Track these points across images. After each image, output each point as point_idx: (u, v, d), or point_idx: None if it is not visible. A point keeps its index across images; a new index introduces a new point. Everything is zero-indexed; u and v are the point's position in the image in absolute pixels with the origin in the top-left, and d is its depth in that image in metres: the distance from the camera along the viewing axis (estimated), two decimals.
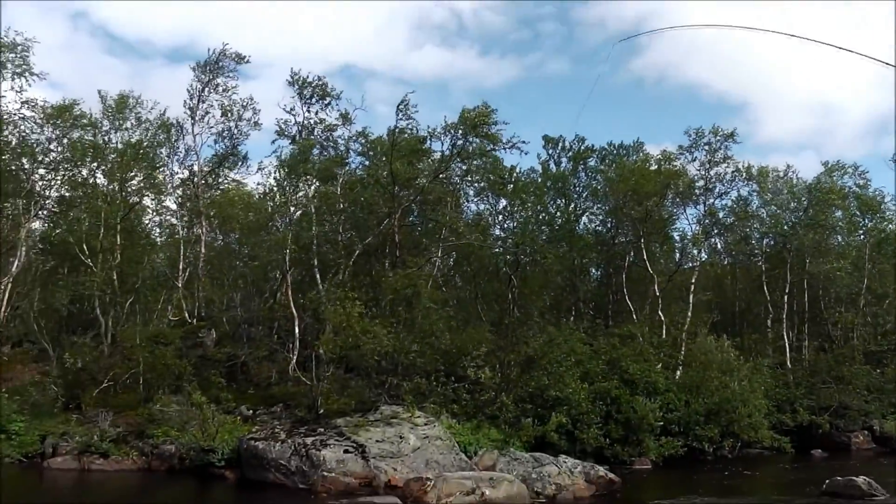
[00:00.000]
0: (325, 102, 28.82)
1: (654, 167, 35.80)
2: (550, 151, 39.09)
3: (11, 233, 33.75)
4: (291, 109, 28.89)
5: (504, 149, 29.33)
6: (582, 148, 38.84)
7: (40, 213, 34.60)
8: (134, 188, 33.45)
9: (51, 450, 23.34)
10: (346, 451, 20.45)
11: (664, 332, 32.57)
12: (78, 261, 29.90)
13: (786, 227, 37.98)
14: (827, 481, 19.08)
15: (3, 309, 31.66)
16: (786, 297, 37.46)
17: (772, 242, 39.70)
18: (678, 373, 30.25)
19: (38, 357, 28.81)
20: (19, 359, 29.30)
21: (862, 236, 40.41)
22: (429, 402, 24.68)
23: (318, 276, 27.90)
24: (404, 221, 30.05)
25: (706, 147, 34.25)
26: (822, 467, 24.57)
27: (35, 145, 32.89)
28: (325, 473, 19.94)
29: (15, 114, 32.11)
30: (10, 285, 31.97)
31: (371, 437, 21.08)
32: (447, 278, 34.46)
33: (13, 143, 33.40)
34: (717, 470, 24.95)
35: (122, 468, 22.67)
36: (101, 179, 32.73)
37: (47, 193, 34.29)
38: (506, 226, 35.25)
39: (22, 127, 32.72)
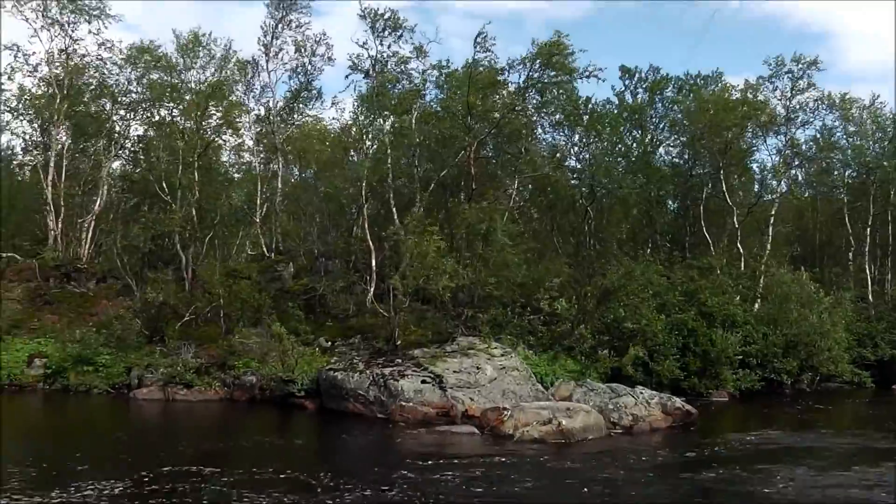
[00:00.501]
0: (398, 35, 28.43)
1: (733, 98, 34.87)
2: (626, 82, 38.14)
3: (94, 172, 34.52)
4: (364, 44, 28.61)
5: (580, 78, 28.85)
6: (658, 78, 37.87)
7: (120, 152, 35.32)
8: (211, 126, 33.66)
9: (136, 381, 24.02)
10: (423, 382, 20.64)
11: (742, 264, 32.04)
12: (158, 198, 30.39)
13: (869, 159, 36.86)
14: None
15: (87, 246, 32.50)
16: (868, 229, 36.59)
17: (854, 174, 38.63)
18: (756, 305, 29.78)
19: (121, 292, 29.38)
20: (104, 294, 29.98)
21: None
22: (505, 333, 24.73)
23: (393, 209, 27.90)
24: (480, 154, 29.77)
25: (788, 75, 33.22)
26: None
27: (114, 87, 33.49)
28: (403, 403, 20.19)
29: (95, 56, 32.74)
30: (93, 223, 32.79)
31: (448, 367, 21.23)
32: (522, 211, 34.17)
33: (93, 85, 34.04)
34: (794, 404, 24.63)
35: (205, 398, 23.22)
36: (178, 118, 32.99)
37: (127, 133, 34.96)
38: (582, 157, 34.72)
39: (102, 70, 33.37)
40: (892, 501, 11.14)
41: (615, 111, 36.00)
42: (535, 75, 28.60)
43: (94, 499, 10.96)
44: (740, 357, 26.28)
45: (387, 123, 29.52)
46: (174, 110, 33.23)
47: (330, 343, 25.37)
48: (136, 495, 11.30)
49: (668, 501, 11.95)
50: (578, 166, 34.43)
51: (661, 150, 37.98)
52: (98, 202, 32.97)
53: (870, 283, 36.03)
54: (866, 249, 36.52)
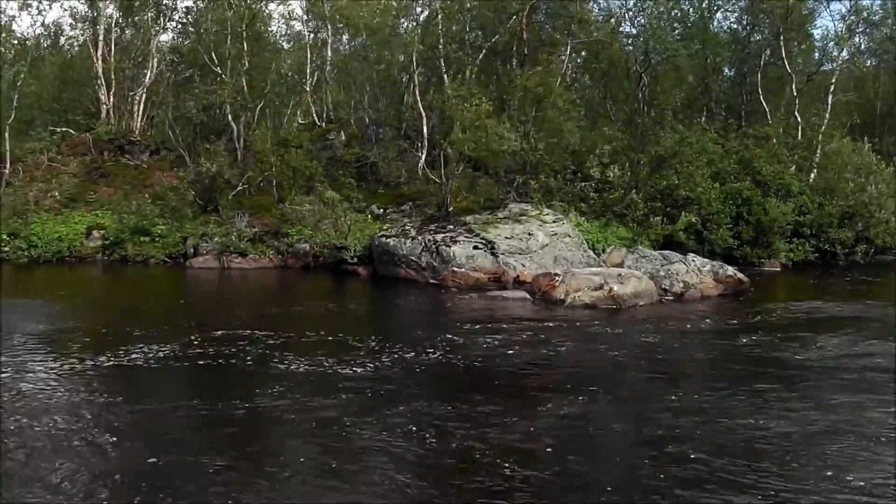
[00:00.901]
0: None
1: None
2: None
3: (143, 45, 34.41)
4: None
5: None
6: None
7: (169, 24, 35.07)
8: None
9: (192, 250, 24.44)
10: (475, 248, 20.73)
11: (799, 133, 31.26)
12: (208, 69, 30.22)
13: None
14: None
15: (139, 119, 32.67)
16: None
17: None
18: (812, 175, 29.17)
19: (175, 164, 29.67)
20: (158, 166, 30.30)
21: None
22: (557, 200, 24.61)
23: (444, 76, 27.53)
24: (532, 19, 29.07)
25: None
26: None
27: None
28: (455, 269, 20.33)
29: None
30: (144, 96, 32.86)
31: (500, 233, 21.25)
32: (576, 78, 33.54)
33: None
34: (847, 275, 24.32)
35: (259, 266, 23.63)
36: None
37: (175, 5, 34.59)
38: (636, 23, 33.73)
39: None
40: None
41: None
42: None
43: (141, 360, 11.24)
44: (793, 227, 25.92)
45: None
46: None
47: (382, 210, 25.50)
48: (181, 357, 11.60)
49: (706, 364, 11.94)
50: (633, 32, 33.50)
51: (718, 15, 36.69)
52: (148, 75, 32.95)
53: None
54: None
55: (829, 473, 7.25)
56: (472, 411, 9.00)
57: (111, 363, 11.11)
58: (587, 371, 11.37)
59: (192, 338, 12.89)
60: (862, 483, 7.03)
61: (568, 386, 10.31)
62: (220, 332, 13.31)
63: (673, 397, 9.79)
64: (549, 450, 7.89)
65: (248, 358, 11.50)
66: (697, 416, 8.98)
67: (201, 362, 11.33)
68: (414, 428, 8.39)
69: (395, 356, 11.80)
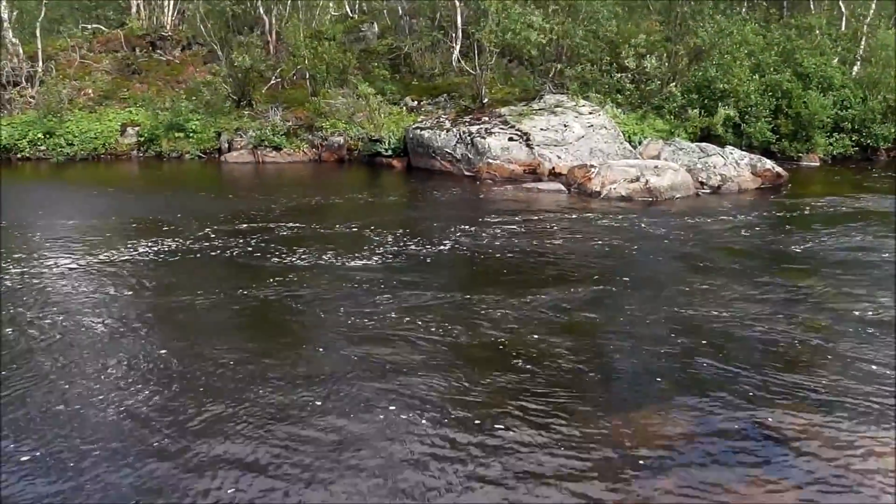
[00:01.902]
0: None
1: None
2: None
3: None
4: None
5: None
6: None
7: None
8: None
9: (226, 145, 24.45)
10: (510, 140, 20.55)
11: (843, 24, 30.42)
12: None
13: None
14: None
15: (170, 13, 32.31)
16: None
17: None
18: (856, 68, 28.48)
19: (207, 58, 29.46)
20: (190, 61, 30.10)
21: None
22: (593, 91, 24.27)
23: None
24: None
25: None
26: None
27: None
28: (490, 160, 20.23)
29: None
30: None
31: (535, 125, 21.00)
32: None
33: None
34: (888, 170, 23.89)
35: (294, 160, 23.67)
36: None
37: None
38: None
39: None
40: None
41: None
42: None
43: (153, 254, 11.36)
44: (834, 121, 25.42)
45: None
46: None
47: (416, 102, 25.31)
48: (198, 249, 11.70)
49: (736, 256, 11.84)
50: None
51: None
52: None
53: None
54: None
55: (837, 365, 7.24)
56: (483, 298, 9.07)
57: (124, 259, 11.19)
58: (613, 261, 11.38)
59: (211, 229, 13.07)
60: (865, 368, 7.08)
61: (588, 274, 10.39)
62: (245, 225, 13.49)
63: (696, 286, 9.81)
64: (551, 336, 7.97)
65: (271, 249, 11.57)
66: (714, 305, 9.00)
67: (220, 254, 11.44)
68: (419, 317, 8.43)
69: (420, 247, 11.88)
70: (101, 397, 6.29)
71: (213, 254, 11.34)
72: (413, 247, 11.77)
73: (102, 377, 6.71)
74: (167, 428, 5.76)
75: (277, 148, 23.80)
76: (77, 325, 8.08)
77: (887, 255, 11.70)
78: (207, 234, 12.61)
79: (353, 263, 10.67)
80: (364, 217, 14.33)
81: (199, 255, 11.23)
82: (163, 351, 7.33)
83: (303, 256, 11.03)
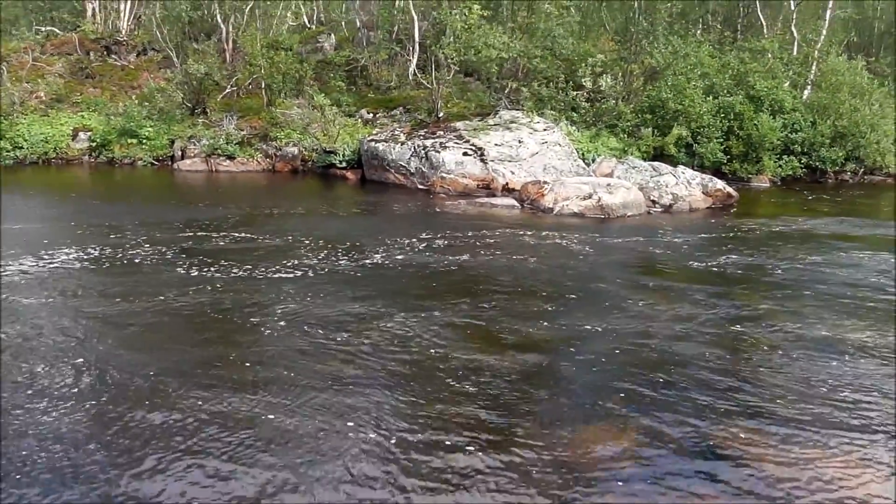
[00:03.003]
0: None
1: None
2: None
3: None
4: None
5: None
6: None
7: None
8: None
9: (180, 153, 24.28)
10: (464, 154, 20.60)
11: (795, 49, 30.97)
12: None
13: None
14: None
15: (126, 18, 32.04)
16: None
17: None
18: (806, 92, 29.02)
19: (162, 64, 29.27)
20: (145, 66, 29.87)
21: None
22: (548, 108, 24.44)
23: None
24: None
25: None
26: None
27: None
28: (444, 175, 20.27)
29: None
30: None
31: (490, 140, 21.08)
32: None
33: None
34: (835, 193, 24.33)
35: (247, 169, 23.57)
36: None
37: None
38: None
39: None
40: None
41: None
42: None
43: (91, 262, 11.19)
44: (784, 143, 25.86)
45: None
46: None
47: (372, 115, 25.34)
48: (128, 258, 11.51)
49: (684, 274, 11.95)
50: None
51: None
52: None
53: None
54: None
55: (796, 385, 7.34)
56: (421, 313, 9.01)
57: (72, 261, 11.09)
58: (559, 277, 11.34)
59: (158, 238, 12.93)
60: (811, 385, 7.15)
61: (533, 290, 10.37)
62: (190, 234, 13.34)
63: (640, 303, 9.85)
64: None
65: (210, 259, 11.40)
66: (655, 322, 9.04)
67: (158, 262, 11.26)
68: (350, 331, 8.37)
69: (362, 260, 11.78)
70: (27, 406, 6.16)
71: (152, 262, 11.13)
72: (355, 260, 11.67)
73: (28, 384, 6.58)
74: (86, 430, 5.66)
75: (231, 157, 23.66)
76: (5, 333, 7.92)
77: (830, 274, 11.89)
78: (150, 241, 12.42)
79: (288, 275, 10.51)
80: (312, 229, 14.21)
81: (137, 263, 11.02)
82: (88, 357, 7.19)
83: (241, 267, 10.84)
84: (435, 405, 6.43)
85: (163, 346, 7.68)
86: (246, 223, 14.58)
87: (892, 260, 13.21)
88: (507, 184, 19.97)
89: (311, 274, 10.70)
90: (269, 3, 30.59)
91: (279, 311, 8.84)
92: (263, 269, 10.79)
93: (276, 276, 10.53)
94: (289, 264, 11.14)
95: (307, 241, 12.85)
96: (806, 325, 9.02)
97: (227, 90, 26.19)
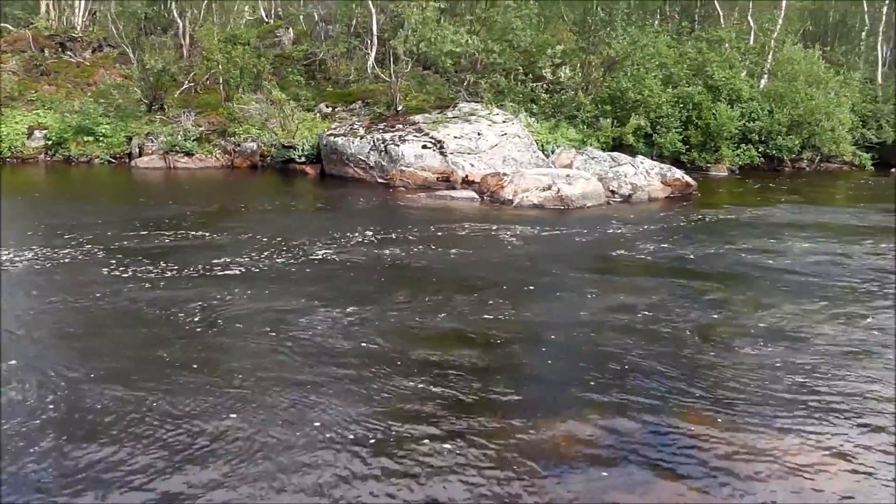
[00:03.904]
0: None
1: None
2: None
3: None
4: None
5: None
6: None
7: None
8: None
9: (137, 150, 23.93)
10: (424, 147, 20.56)
11: (752, 38, 31.29)
12: None
13: None
14: None
15: (81, 14, 31.61)
16: (885, 8, 35.45)
17: None
18: (763, 81, 29.31)
19: (118, 61, 28.87)
20: (101, 63, 29.45)
21: None
22: (507, 100, 24.47)
23: None
24: None
25: None
26: None
27: None
28: (403, 168, 20.23)
29: None
30: None
31: (449, 133, 21.06)
32: None
33: None
34: (792, 181, 24.68)
35: (206, 165, 23.34)
36: None
37: None
38: None
39: None
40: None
41: None
42: None
43: (40, 259, 11.02)
44: (742, 132, 26.14)
45: None
46: None
47: (330, 109, 25.21)
48: (75, 256, 11.36)
49: (641, 264, 12.02)
50: None
51: None
52: None
53: (880, 63, 35.37)
54: (881, 29, 35.60)
55: (754, 375, 7.39)
56: (376, 307, 9.00)
57: (20, 260, 10.94)
58: (516, 269, 11.37)
59: (111, 235, 12.77)
60: (767, 374, 7.21)
61: (489, 281, 10.37)
62: (144, 232, 13.19)
63: (597, 294, 9.90)
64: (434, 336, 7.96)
65: (160, 256, 11.27)
66: (612, 312, 9.09)
67: (106, 259, 11.11)
68: (300, 326, 8.33)
69: (317, 254, 11.73)
70: None
71: (98, 261, 10.90)
72: (309, 256, 11.54)
73: None
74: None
75: (189, 153, 23.40)
76: None
77: (788, 263, 12.00)
78: (100, 241, 12.19)
79: (238, 273, 10.40)
80: (267, 225, 14.08)
81: (82, 263, 10.81)
82: (17, 358, 7.09)
83: (191, 265, 10.65)
84: (387, 402, 6.37)
85: (97, 346, 7.55)
86: (201, 220, 14.44)
87: (846, 247, 13.40)
88: (466, 176, 19.98)
89: (260, 271, 10.59)
90: None
91: (224, 309, 8.74)
92: (215, 267, 10.67)
93: (226, 273, 10.43)
94: (241, 262, 11.02)
95: (262, 238, 12.73)
96: (762, 314, 9.08)
97: (185, 86, 25.95)
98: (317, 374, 6.92)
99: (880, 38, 35.62)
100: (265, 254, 11.57)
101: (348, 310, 8.81)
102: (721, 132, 25.18)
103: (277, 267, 10.86)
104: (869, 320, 8.95)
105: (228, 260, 11.11)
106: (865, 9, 36.04)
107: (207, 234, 13.15)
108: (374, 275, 10.71)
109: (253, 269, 10.70)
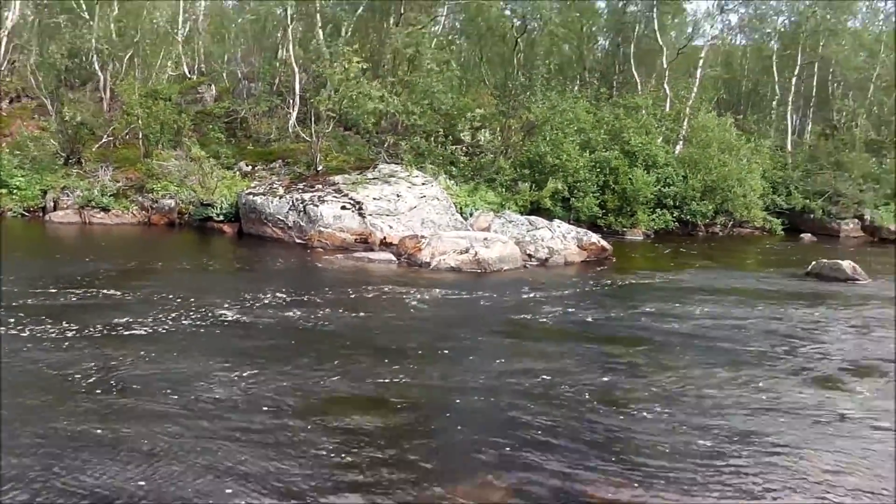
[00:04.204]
0: None
1: None
2: None
3: None
4: None
5: None
6: None
7: None
8: None
9: (52, 204, 23.50)
10: (343, 208, 20.61)
11: (668, 105, 32.16)
12: (75, 14, 29.07)
13: (803, 6, 36.78)
14: (813, 262, 19.30)
15: (0, 64, 31.14)
16: (794, 79, 36.81)
17: (787, 22, 38.62)
18: (678, 147, 30.11)
19: (37, 112, 28.47)
20: (18, 114, 28.98)
21: (881, 23, 39.54)
22: (427, 162, 24.68)
23: (320, 32, 27.18)
24: None
25: None
26: (810, 250, 24.82)
27: None
28: (322, 229, 20.23)
29: None
30: (5, 39, 31.28)
31: (368, 194, 21.17)
32: (452, 39, 33.57)
33: None
34: (706, 245, 25.30)
35: (122, 222, 23.02)
36: None
37: None
38: None
39: None
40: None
41: None
42: None
43: None
44: (657, 197, 26.70)
45: None
46: None
47: (251, 167, 25.14)
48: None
49: (551, 328, 12.16)
50: None
51: None
52: (10, 17, 31.37)
53: (789, 132, 36.72)
54: (790, 99, 36.95)
55: (662, 438, 7.51)
56: (277, 370, 8.95)
57: None
58: (425, 333, 11.41)
59: (19, 290, 12.54)
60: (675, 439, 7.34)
61: (391, 344, 10.40)
62: (54, 290, 12.93)
63: (510, 359, 9.96)
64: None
65: (64, 315, 11.06)
66: (521, 376, 9.16)
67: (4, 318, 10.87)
68: (200, 389, 8.25)
69: (226, 315, 11.64)
70: None
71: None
72: (219, 317, 11.41)
73: None
74: None
75: (105, 209, 23.05)
76: None
77: (693, 327, 12.26)
78: (8, 296, 11.95)
79: (145, 333, 10.29)
80: (180, 285, 13.87)
81: None
82: None
83: (96, 324, 10.50)
84: (298, 468, 6.32)
85: None
86: (113, 278, 14.21)
87: (750, 312, 13.76)
88: (385, 238, 20.04)
89: (167, 331, 10.47)
90: (148, 51, 30.19)
91: (125, 371, 8.62)
92: (121, 327, 10.50)
93: (132, 333, 10.27)
94: (148, 322, 10.87)
95: (172, 298, 12.57)
96: (663, 378, 9.26)
97: (104, 140, 25.66)
98: (218, 438, 6.84)
99: (790, 108, 36.98)
100: (174, 314, 11.43)
101: (251, 373, 8.75)
102: (637, 197, 25.71)
103: (184, 328, 10.74)
104: (761, 384, 9.23)
105: (136, 320, 10.94)
106: (776, 79, 37.37)
107: (119, 292, 12.94)
108: (281, 338, 10.61)
109: (160, 329, 10.57)
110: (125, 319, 10.93)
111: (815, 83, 38.30)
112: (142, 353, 9.37)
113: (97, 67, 27.75)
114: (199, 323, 11.08)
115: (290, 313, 12.06)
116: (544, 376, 9.16)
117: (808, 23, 36.02)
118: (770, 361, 10.33)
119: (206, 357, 9.33)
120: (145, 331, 10.45)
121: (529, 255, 19.22)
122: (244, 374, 8.70)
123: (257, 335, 10.68)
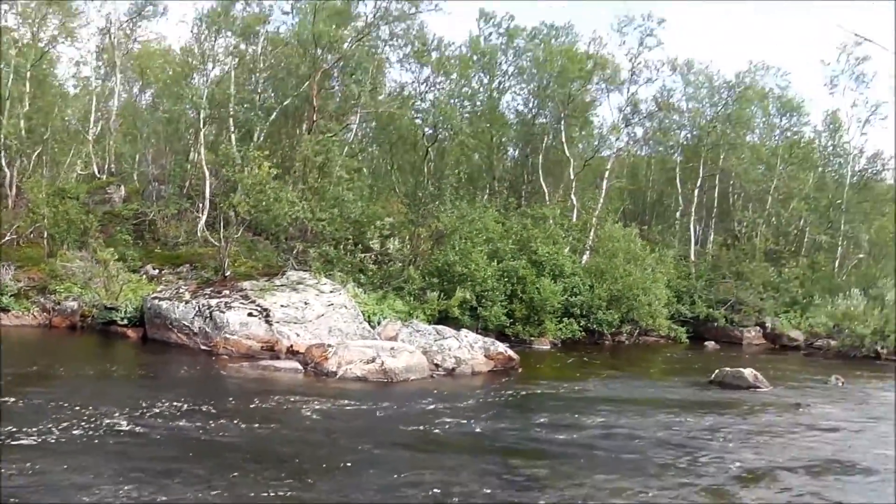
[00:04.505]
0: None
1: (581, 50, 35.76)
2: (482, 27, 37.82)
3: None
4: None
5: (426, 11, 29.15)
6: (512, 25, 37.73)
7: None
8: (48, 35, 31.94)
9: None
10: (250, 315, 20.49)
11: (575, 216, 32.96)
12: None
13: (704, 122, 38.41)
14: (716, 371, 19.87)
15: None
16: (696, 191, 38.31)
17: (689, 136, 40.25)
18: (585, 257, 30.82)
19: None
20: None
21: (777, 137, 41.44)
22: (336, 270, 24.74)
23: (232, 136, 27.39)
24: (324, 85, 29.50)
25: (638, 29, 34.76)
26: (714, 358, 25.56)
27: None
28: (228, 336, 20.04)
29: None
30: None
31: (276, 301, 21.11)
32: (363, 147, 34.11)
33: None
34: (612, 355, 25.79)
35: (22, 324, 22.43)
36: (12, 23, 31.11)
37: None
38: (428, 98, 34.68)
39: None
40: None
41: (467, 54, 36.00)
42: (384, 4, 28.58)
43: None
44: (564, 306, 27.13)
45: (231, 46, 28.82)
46: (8, 14, 31.32)
47: (158, 271, 24.89)
48: None
49: (449, 439, 12.25)
50: (424, 106, 34.26)
51: (507, 96, 38.38)
52: None
53: (693, 242, 37.95)
54: (693, 210, 38.29)
55: None
56: (168, 486, 8.83)
57: None
58: (330, 446, 11.40)
59: None
60: None
61: (286, 457, 10.39)
62: None
63: (411, 472, 9.98)
64: None
65: None
66: (428, 489, 9.22)
67: None
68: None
69: (120, 425, 11.43)
70: None
71: None
72: (110, 427, 11.17)
73: None
74: None
75: (5, 310, 22.38)
76: None
77: (590, 437, 12.47)
78: None
79: (32, 442, 10.07)
80: (74, 393, 13.50)
81: None
82: None
83: None
84: None
85: None
86: (7, 384, 13.77)
87: (648, 421, 14.06)
88: (291, 346, 19.92)
89: (57, 442, 10.25)
90: (58, 149, 29.93)
91: (5, 483, 8.45)
92: (8, 437, 10.26)
93: (20, 443, 10.06)
94: (38, 431, 10.63)
95: (66, 406, 12.26)
96: (553, 489, 9.39)
97: (7, 237, 25.15)
98: None
99: (693, 218, 38.26)
100: (66, 424, 11.16)
101: (135, 486, 8.61)
102: (544, 306, 26.10)
103: (75, 438, 10.51)
104: (650, 494, 9.45)
105: (25, 429, 10.66)
106: (679, 190, 38.70)
107: (11, 399, 12.59)
108: (175, 450, 10.47)
109: (49, 439, 10.33)
110: (16, 429, 10.67)
111: (716, 194, 39.96)
112: (27, 465, 9.15)
113: (4, 164, 27.39)
114: (91, 433, 10.85)
115: (189, 423, 11.88)
116: (435, 490, 9.21)
117: (708, 137, 37.73)
118: (667, 471, 10.57)
119: (93, 469, 9.15)
120: (34, 441, 10.22)
121: (437, 365, 19.33)
122: (128, 488, 8.55)
123: (151, 446, 10.52)
